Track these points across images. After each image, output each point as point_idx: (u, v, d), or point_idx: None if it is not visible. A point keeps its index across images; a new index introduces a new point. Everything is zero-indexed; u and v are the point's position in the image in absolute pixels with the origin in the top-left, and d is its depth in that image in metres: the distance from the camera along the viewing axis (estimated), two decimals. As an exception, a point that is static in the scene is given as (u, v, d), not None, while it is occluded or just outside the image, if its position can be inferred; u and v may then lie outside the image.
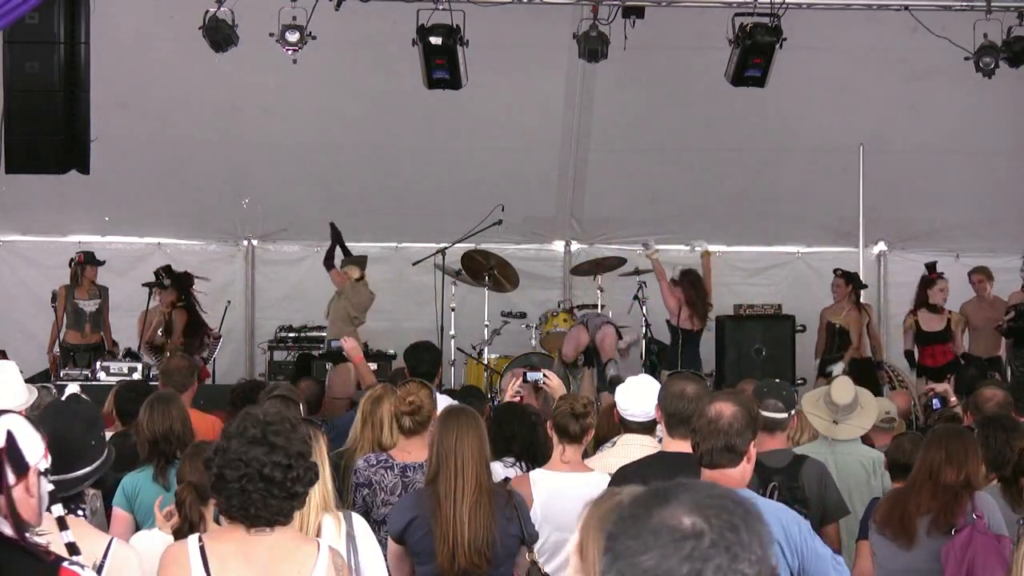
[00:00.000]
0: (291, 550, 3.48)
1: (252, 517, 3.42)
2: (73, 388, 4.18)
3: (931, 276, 12.47)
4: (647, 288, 13.25)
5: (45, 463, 3.24)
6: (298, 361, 13.03)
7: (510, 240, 14.18)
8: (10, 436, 3.16)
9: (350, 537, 4.22)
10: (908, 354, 12.58)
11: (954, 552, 5.04)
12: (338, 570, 3.53)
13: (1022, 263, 12.76)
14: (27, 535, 3.11)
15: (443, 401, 7.16)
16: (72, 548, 3.25)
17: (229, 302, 13.45)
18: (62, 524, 3.25)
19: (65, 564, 3.09)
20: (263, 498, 3.40)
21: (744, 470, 4.28)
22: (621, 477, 4.99)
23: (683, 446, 4.94)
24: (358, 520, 4.31)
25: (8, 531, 3.08)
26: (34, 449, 3.22)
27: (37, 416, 4.00)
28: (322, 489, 4.14)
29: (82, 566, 3.19)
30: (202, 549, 3.45)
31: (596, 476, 5.53)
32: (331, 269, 12.64)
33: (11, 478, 3.14)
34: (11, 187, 12.41)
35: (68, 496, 3.78)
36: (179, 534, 4.41)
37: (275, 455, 3.41)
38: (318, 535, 4.03)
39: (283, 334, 13.57)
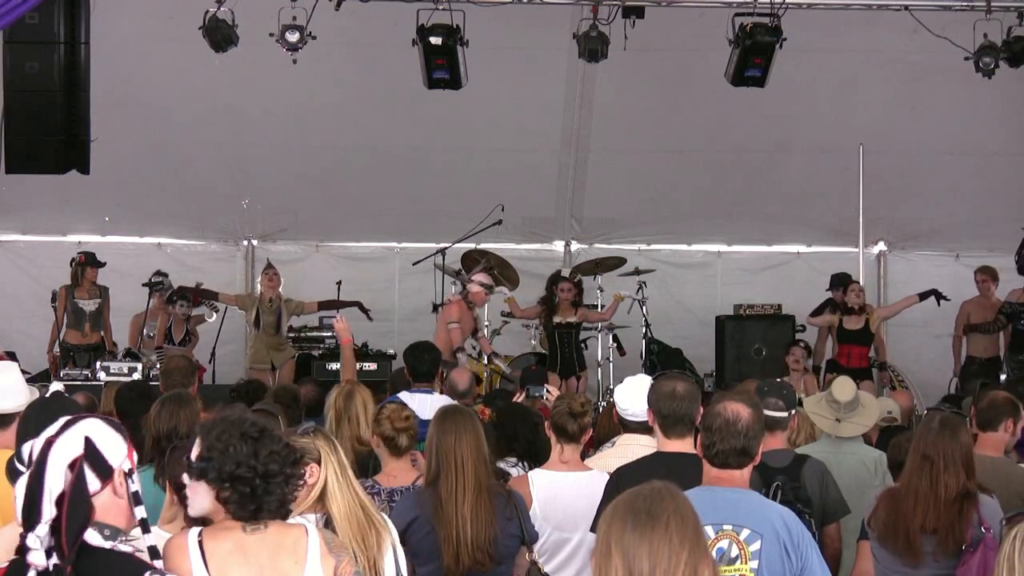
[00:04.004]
0: (283, 538, 3.51)
1: (260, 510, 3.46)
2: (57, 386, 4.16)
3: (848, 284, 12.40)
4: (647, 288, 13.28)
5: (129, 463, 3.24)
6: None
7: (510, 240, 14.20)
8: (88, 442, 3.16)
9: (395, 546, 4.30)
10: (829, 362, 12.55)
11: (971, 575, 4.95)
12: (328, 543, 3.55)
13: (1016, 256, 12.73)
14: (116, 542, 3.14)
15: (443, 402, 7.17)
16: (153, 552, 3.27)
17: (229, 302, 13.44)
18: (144, 527, 3.27)
19: (147, 574, 3.14)
20: (272, 489, 3.46)
21: (749, 470, 4.33)
22: (620, 477, 5.00)
23: (680, 446, 4.95)
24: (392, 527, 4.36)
25: (97, 541, 3.10)
26: (116, 450, 3.22)
27: (22, 415, 3.99)
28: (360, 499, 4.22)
29: (163, 572, 3.23)
30: (200, 544, 3.47)
31: (595, 475, 5.53)
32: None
33: (96, 484, 3.15)
34: (11, 187, 12.40)
35: None
36: None
37: (261, 445, 3.48)
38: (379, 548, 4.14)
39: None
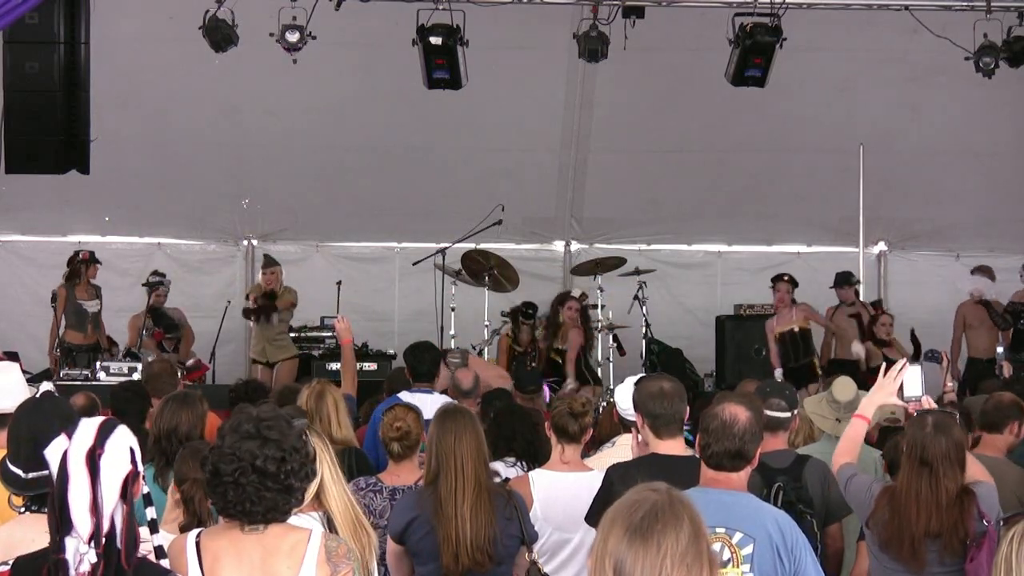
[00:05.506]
0: (281, 541, 3.50)
1: (248, 512, 3.43)
2: (47, 386, 4.14)
3: (876, 312, 12.26)
4: (647, 288, 13.27)
5: (143, 466, 3.26)
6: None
7: (510, 240, 14.19)
8: (132, 454, 3.16)
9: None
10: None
11: (983, 571, 4.90)
12: (330, 553, 3.52)
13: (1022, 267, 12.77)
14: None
15: (443, 401, 7.16)
16: (160, 551, 3.29)
17: (229, 302, 13.41)
18: (153, 527, 3.29)
19: None
20: (257, 490, 3.41)
21: (746, 473, 4.31)
22: (613, 476, 4.99)
23: (674, 446, 4.95)
24: None
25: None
26: (140, 456, 3.24)
27: (13, 415, 3.97)
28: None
29: None
30: (198, 544, 3.49)
31: (595, 476, 5.52)
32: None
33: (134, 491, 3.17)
34: (11, 187, 12.40)
35: (46, 493, 3.77)
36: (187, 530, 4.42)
37: (268, 448, 3.43)
38: None
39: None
